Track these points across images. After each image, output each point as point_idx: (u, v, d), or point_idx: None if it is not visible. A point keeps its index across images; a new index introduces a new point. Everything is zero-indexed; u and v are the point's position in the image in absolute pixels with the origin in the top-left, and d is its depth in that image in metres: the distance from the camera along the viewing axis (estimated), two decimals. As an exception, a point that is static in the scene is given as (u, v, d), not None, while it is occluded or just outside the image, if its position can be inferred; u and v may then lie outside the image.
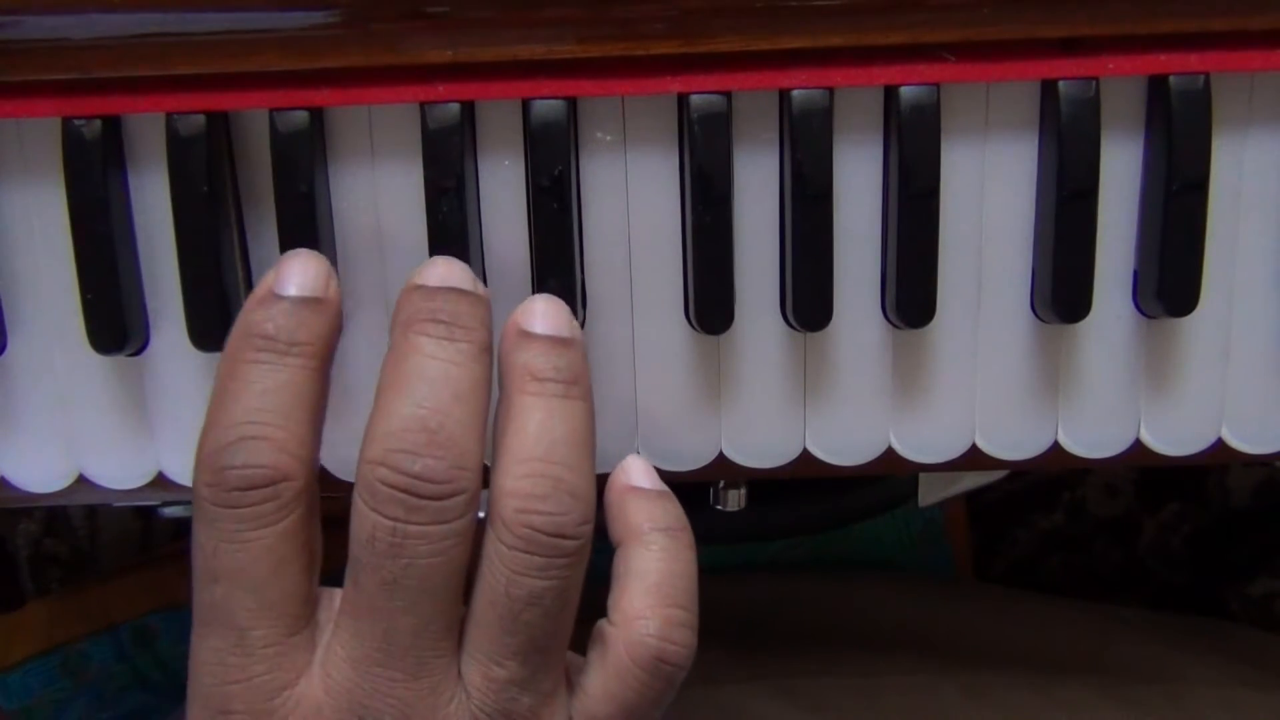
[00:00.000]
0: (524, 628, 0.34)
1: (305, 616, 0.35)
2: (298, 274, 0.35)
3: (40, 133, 0.38)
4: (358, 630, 0.34)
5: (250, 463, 0.33)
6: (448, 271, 0.36)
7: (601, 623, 0.36)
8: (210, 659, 0.34)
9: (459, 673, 0.35)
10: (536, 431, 0.35)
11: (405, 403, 0.34)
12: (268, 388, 0.34)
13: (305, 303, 0.35)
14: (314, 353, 0.35)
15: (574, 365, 0.36)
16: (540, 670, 0.35)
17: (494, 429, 0.36)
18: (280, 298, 0.35)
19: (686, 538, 0.37)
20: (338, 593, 0.36)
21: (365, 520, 0.34)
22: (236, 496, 0.33)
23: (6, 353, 0.40)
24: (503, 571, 0.34)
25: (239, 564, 0.33)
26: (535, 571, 0.34)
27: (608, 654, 0.36)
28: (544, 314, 0.36)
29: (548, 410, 0.35)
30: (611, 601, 0.36)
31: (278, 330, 0.34)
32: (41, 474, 0.41)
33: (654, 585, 0.36)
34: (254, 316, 0.35)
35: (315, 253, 0.36)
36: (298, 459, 0.34)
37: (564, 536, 0.34)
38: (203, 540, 0.34)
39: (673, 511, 0.37)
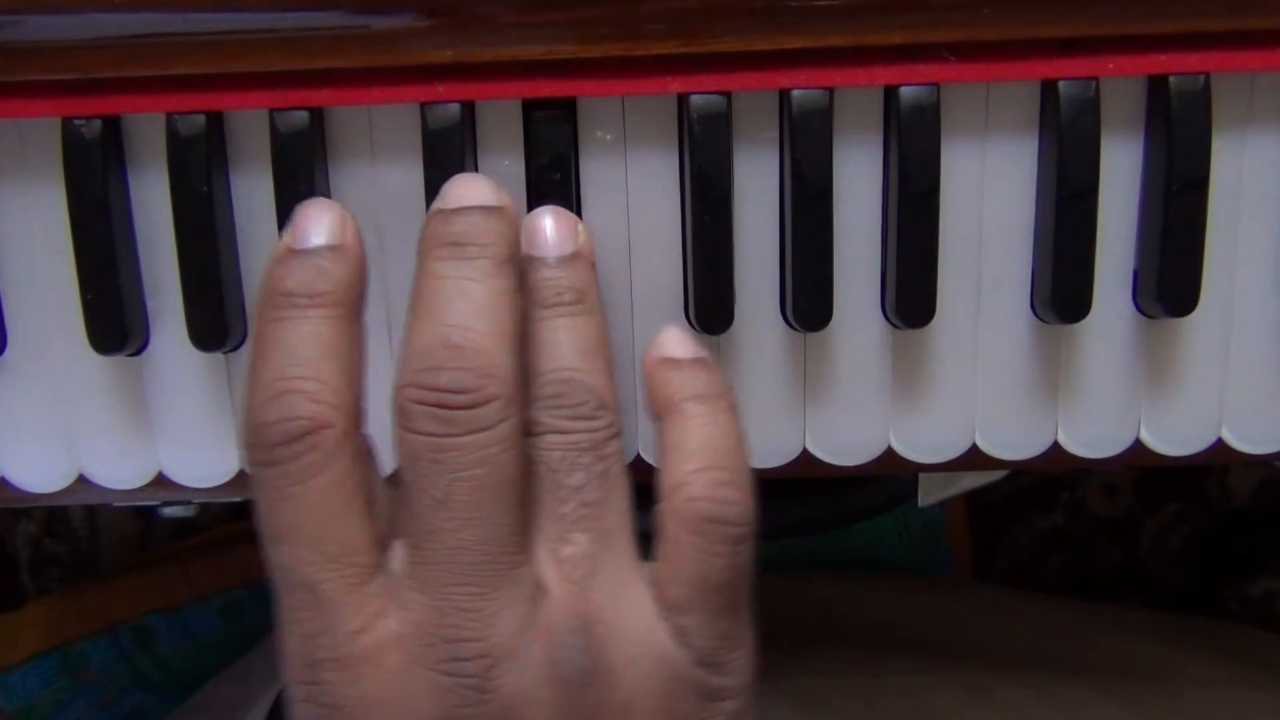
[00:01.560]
0: (572, 493, 0.34)
1: (372, 563, 0.34)
2: (312, 225, 0.35)
3: (40, 133, 0.38)
4: (423, 557, 0.33)
5: (285, 416, 0.33)
6: (466, 189, 0.36)
7: (657, 507, 0.36)
8: (290, 618, 0.34)
9: (536, 580, 0.34)
10: (552, 351, 0.35)
11: (425, 325, 0.34)
12: (294, 342, 0.33)
13: (321, 252, 0.35)
14: (336, 300, 0.34)
15: (578, 281, 0.36)
16: (605, 543, 0.34)
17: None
18: (296, 252, 0.35)
19: (724, 403, 0.36)
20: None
21: (405, 444, 0.33)
22: (278, 452, 0.33)
23: (6, 352, 0.40)
24: (539, 451, 0.34)
25: (293, 519, 0.33)
26: (568, 442, 0.35)
27: (664, 535, 0.35)
28: (549, 231, 0.37)
29: (552, 330, 0.36)
30: (657, 482, 0.36)
31: (296, 285, 0.34)
32: (41, 474, 0.41)
33: (692, 451, 0.35)
34: (273, 275, 0.34)
35: (329, 201, 0.36)
36: (333, 406, 0.33)
37: (588, 419, 0.35)
38: (259, 503, 0.34)
39: (705, 377, 0.37)
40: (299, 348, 0.33)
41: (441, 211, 0.36)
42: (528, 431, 0.35)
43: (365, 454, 0.34)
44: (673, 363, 0.37)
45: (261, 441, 0.33)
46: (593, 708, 0.33)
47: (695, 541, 0.34)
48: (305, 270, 0.34)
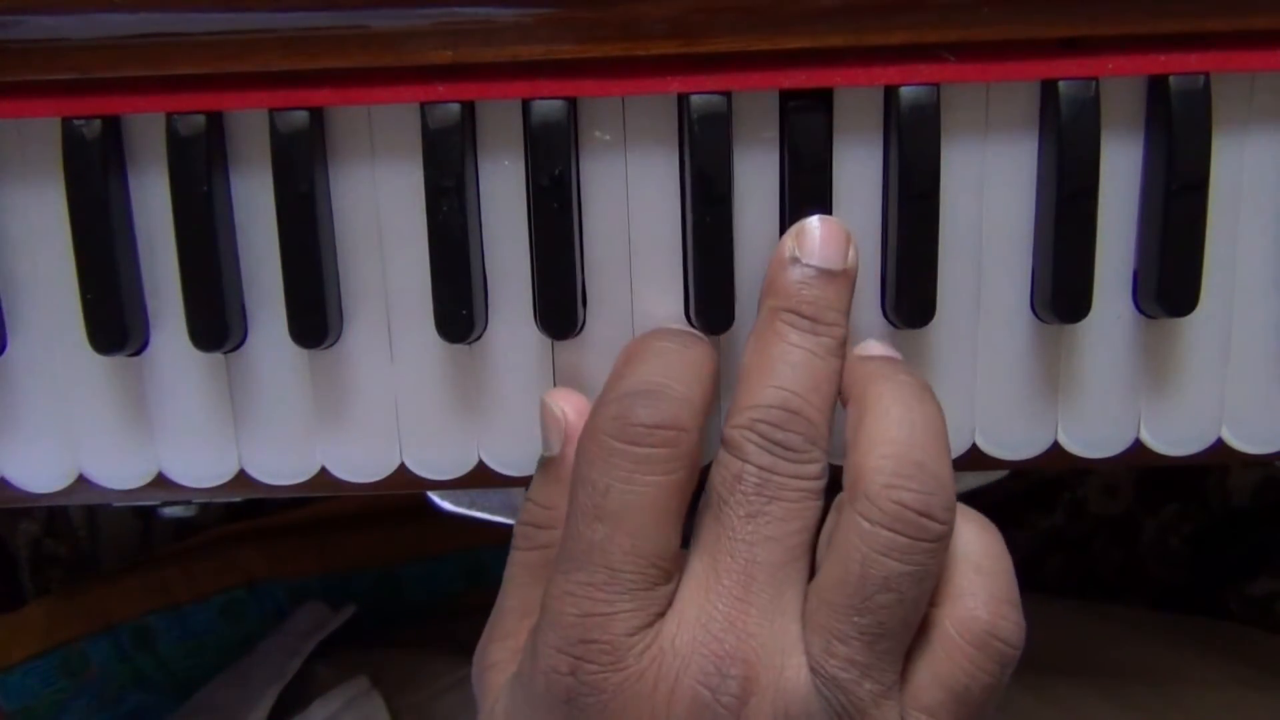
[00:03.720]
0: (874, 611, 0.34)
1: (670, 572, 0.35)
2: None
3: (40, 133, 0.38)
4: (716, 566, 0.35)
5: (657, 406, 0.35)
6: (825, 245, 0.37)
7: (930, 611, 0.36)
8: (576, 591, 0.35)
9: (799, 643, 0.34)
10: (899, 416, 0.35)
11: (770, 383, 0.36)
12: (671, 360, 0.37)
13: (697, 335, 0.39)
14: (712, 356, 0.38)
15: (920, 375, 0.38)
16: (883, 659, 0.34)
17: (849, 415, 0.37)
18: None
19: (995, 527, 0.37)
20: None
21: (732, 466, 0.35)
22: (640, 433, 0.35)
23: (6, 352, 0.40)
24: (860, 549, 0.34)
25: (626, 505, 0.35)
26: (897, 553, 0.33)
27: (934, 636, 0.35)
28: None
29: (907, 400, 0.36)
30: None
31: (678, 335, 0.38)
32: (41, 474, 0.41)
33: (976, 564, 0.36)
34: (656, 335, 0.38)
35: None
36: (695, 421, 0.36)
37: (931, 518, 0.34)
38: (594, 478, 0.35)
39: (974, 510, 0.38)
40: (676, 364, 0.37)
41: (798, 265, 0.37)
42: (855, 495, 0.34)
43: (695, 479, 0.36)
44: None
45: (626, 417, 0.35)
46: None
47: (970, 653, 0.35)
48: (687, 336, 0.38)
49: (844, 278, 0.37)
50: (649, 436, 0.35)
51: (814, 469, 0.35)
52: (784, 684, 0.34)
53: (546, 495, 0.39)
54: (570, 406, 0.39)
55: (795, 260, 0.37)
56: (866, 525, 0.34)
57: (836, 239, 0.37)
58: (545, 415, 0.39)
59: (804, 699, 0.34)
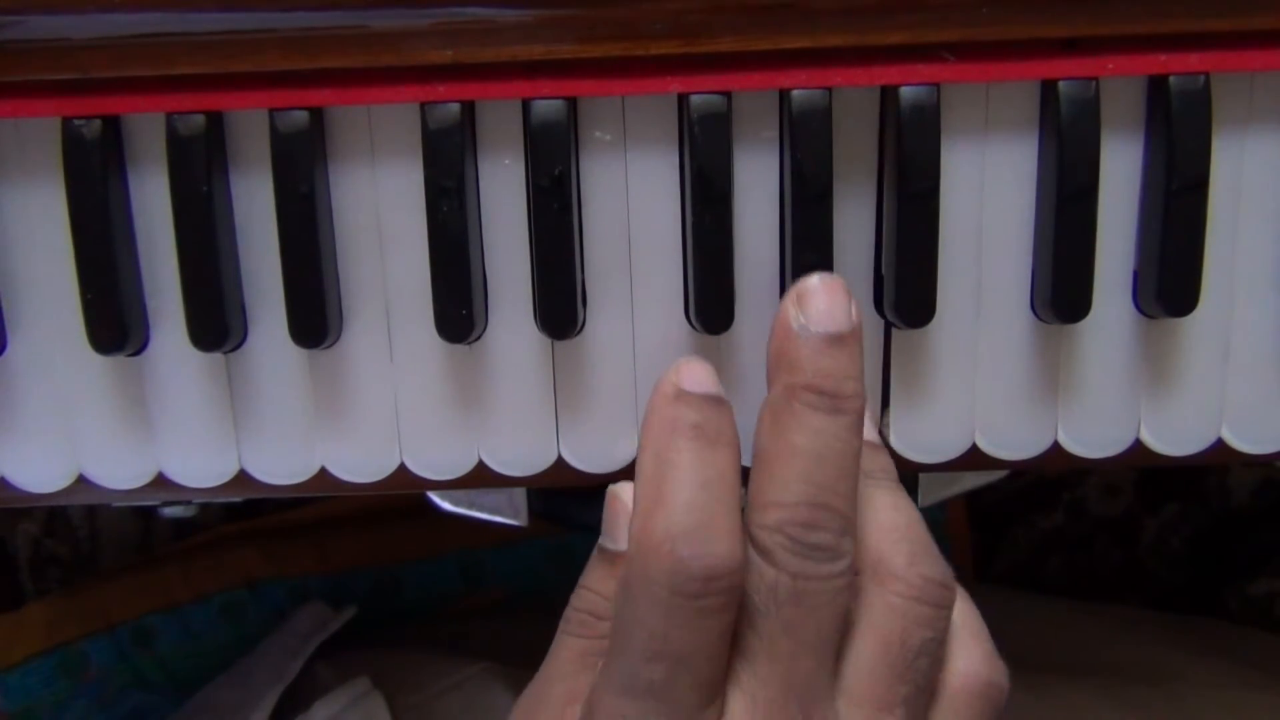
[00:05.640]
0: (914, 676, 0.36)
1: (721, 689, 0.36)
2: (700, 374, 0.36)
3: (40, 133, 0.38)
4: (757, 674, 0.35)
5: (709, 553, 0.34)
6: (829, 308, 0.36)
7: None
8: (633, 715, 0.35)
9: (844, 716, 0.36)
10: (891, 503, 0.38)
11: (795, 478, 0.35)
12: (709, 477, 0.35)
13: (718, 400, 0.36)
14: (735, 443, 0.36)
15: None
16: (917, 718, 0.37)
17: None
18: (691, 393, 0.36)
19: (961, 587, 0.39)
20: None
21: (767, 574, 0.35)
22: (699, 586, 0.34)
23: (6, 352, 0.40)
24: (897, 623, 0.36)
25: (688, 648, 0.34)
26: (928, 621, 0.36)
27: (945, 695, 0.38)
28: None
29: (896, 492, 0.38)
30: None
31: (704, 420, 0.36)
32: (41, 474, 0.41)
33: (964, 624, 0.38)
34: (675, 409, 0.36)
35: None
36: (743, 548, 0.35)
37: (949, 588, 0.37)
38: (651, 624, 0.34)
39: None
40: (715, 484, 0.35)
41: (805, 333, 0.36)
42: (882, 577, 0.36)
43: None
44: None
45: (682, 570, 0.34)
46: None
47: (978, 704, 0.38)
48: (711, 410, 0.36)
49: (852, 339, 0.36)
50: (706, 588, 0.34)
51: (845, 563, 0.35)
52: None
53: (609, 586, 0.38)
54: None
55: (802, 328, 0.36)
56: (899, 601, 0.36)
57: (838, 299, 0.36)
58: (615, 507, 0.38)
59: None
